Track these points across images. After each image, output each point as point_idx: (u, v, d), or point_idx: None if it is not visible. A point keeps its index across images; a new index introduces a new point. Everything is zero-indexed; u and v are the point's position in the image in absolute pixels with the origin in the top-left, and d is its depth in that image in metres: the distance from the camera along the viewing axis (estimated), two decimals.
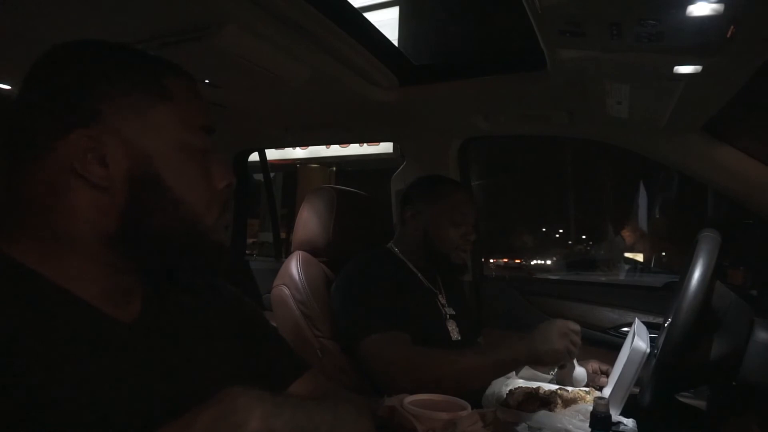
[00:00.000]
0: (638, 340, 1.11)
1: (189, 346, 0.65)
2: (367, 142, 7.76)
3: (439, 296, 1.47)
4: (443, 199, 1.44)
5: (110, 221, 0.57)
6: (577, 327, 1.16)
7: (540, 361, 1.16)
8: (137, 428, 0.53)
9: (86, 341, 0.54)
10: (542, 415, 1.06)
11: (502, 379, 1.26)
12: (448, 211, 1.42)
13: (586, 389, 1.23)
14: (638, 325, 1.21)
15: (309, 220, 1.56)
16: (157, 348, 0.61)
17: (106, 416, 0.51)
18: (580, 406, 1.12)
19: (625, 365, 1.11)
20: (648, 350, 1.09)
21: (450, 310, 1.45)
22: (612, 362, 1.37)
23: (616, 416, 1.06)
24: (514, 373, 1.31)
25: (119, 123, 0.57)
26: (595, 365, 1.37)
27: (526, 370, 1.33)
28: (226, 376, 0.69)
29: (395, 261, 1.46)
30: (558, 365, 1.18)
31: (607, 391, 1.14)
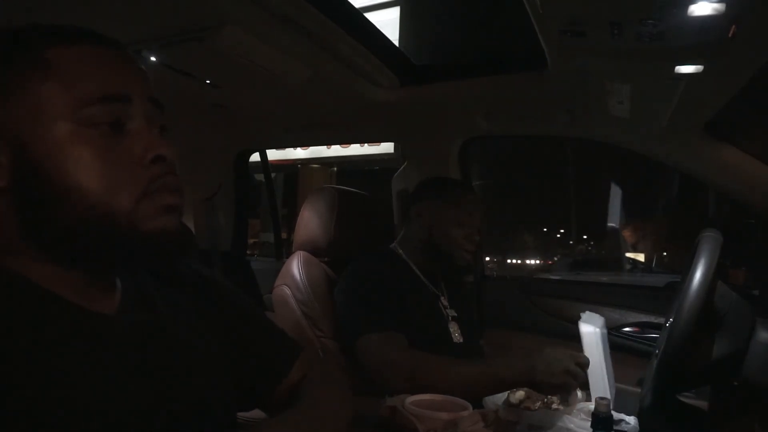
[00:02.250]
0: (584, 324, 1.11)
1: (174, 334, 0.64)
2: (368, 143, 7.74)
3: (442, 298, 1.46)
4: (449, 198, 1.44)
5: (18, 223, 0.52)
6: (585, 360, 1.10)
7: (537, 389, 1.11)
8: (126, 419, 0.53)
9: (64, 334, 0.53)
10: (543, 413, 1.06)
11: None
12: (454, 210, 1.42)
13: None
14: (585, 314, 1.21)
15: (310, 220, 1.56)
16: (141, 337, 0.60)
17: (93, 407, 0.51)
18: (581, 404, 1.12)
19: (586, 352, 1.11)
20: (598, 330, 1.09)
21: (452, 312, 1.45)
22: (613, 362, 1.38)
23: (619, 414, 1.06)
24: None
25: (5, 117, 0.51)
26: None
27: None
28: (217, 362, 0.69)
29: (398, 262, 1.46)
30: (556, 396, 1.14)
31: (593, 391, 1.13)
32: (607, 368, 1.10)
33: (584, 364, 1.09)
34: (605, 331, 1.09)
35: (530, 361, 1.10)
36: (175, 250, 0.58)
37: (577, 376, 1.07)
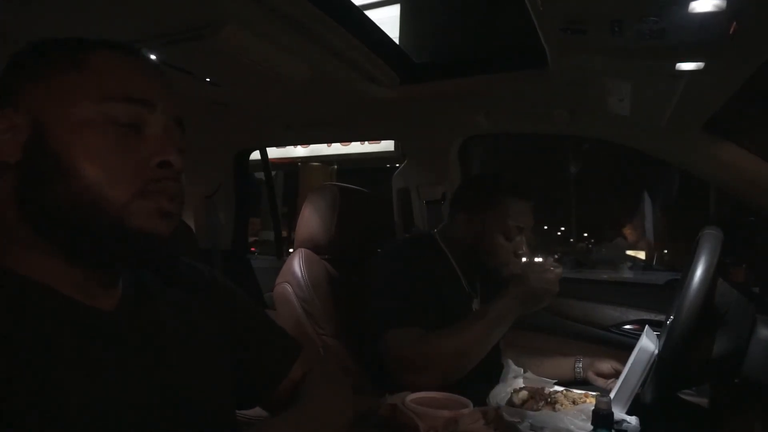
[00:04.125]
0: (647, 340, 1.11)
1: (173, 333, 0.64)
2: (368, 141, 7.75)
3: (475, 300, 1.42)
4: (500, 206, 1.33)
5: (17, 205, 0.54)
6: (554, 270, 1.21)
7: (530, 301, 1.19)
8: (124, 416, 0.53)
9: (63, 330, 0.53)
10: (545, 414, 1.06)
11: (507, 379, 1.26)
12: (504, 221, 1.32)
13: (593, 393, 1.23)
14: (647, 330, 1.22)
15: (311, 218, 1.56)
16: (141, 334, 0.60)
17: (90, 403, 0.51)
18: (584, 406, 1.12)
19: (632, 365, 1.11)
20: (656, 351, 1.09)
21: None
22: (613, 360, 1.38)
23: (621, 414, 1.06)
24: (521, 370, 1.31)
25: (31, 97, 0.55)
26: (615, 364, 1.38)
27: (530, 375, 1.33)
28: (216, 361, 0.69)
29: (439, 253, 1.39)
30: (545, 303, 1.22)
31: (614, 392, 1.14)
32: (638, 385, 1.11)
33: (550, 269, 1.21)
34: (657, 351, 1.10)
35: (513, 291, 1.19)
36: (162, 254, 0.58)
37: (554, 281, 1.20)
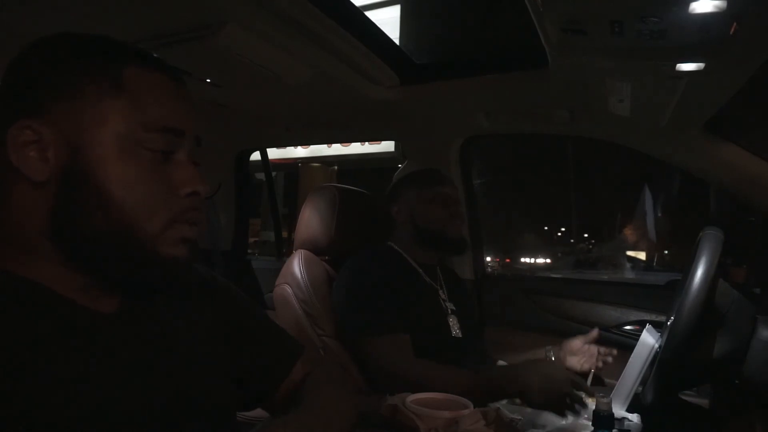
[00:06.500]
0: (647, 335, 1.11)
1: (173, 334, 0.64)
2: (368, 141, 7.75)
3: (440, 291, 1.47)
4: (422, 185, 1.49)
5: (45, 218, 0.54)
6: (583, 386, 1.05)
7: (529, 403, 1.07)
8: (123, 417, 0.53)
9: (65, 332, 0.53)
10: (547, 412, 1.06)
11: None
12: (429, 193, 1.47)
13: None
14: (648, 326, 1.23)
15: (311, 219, 1.56)
16: (141, 337, 0.60)
17: (91, 404, 0.51)
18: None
19: (631, 359, 1.11)
20: (656, 346, 1.09)
21: (451, 305, 1.45)
22: (614, 360, 1.37)
23: (622, 412, 1.06)
24: None
25: (63, 114, 0.53)
26: (585, 338, 1.37)
27: None
28: (216, 362, 0.69)
29: (396, 257, 1.46)
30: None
31: (615, 394, 1.14)
32: (638, 381, 1.11)
33: (581, 388, 1.05)
34: (657, 346, 1.10)
35: (529, 375, 1.07)
36: (179, 276, 0.61)
37: (573, 402, 1.02)
